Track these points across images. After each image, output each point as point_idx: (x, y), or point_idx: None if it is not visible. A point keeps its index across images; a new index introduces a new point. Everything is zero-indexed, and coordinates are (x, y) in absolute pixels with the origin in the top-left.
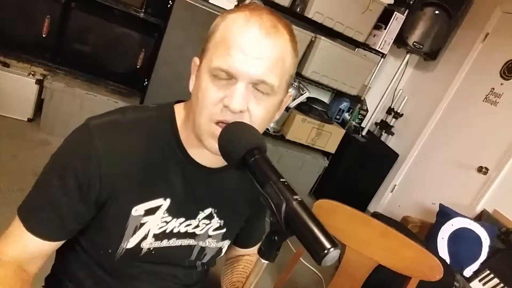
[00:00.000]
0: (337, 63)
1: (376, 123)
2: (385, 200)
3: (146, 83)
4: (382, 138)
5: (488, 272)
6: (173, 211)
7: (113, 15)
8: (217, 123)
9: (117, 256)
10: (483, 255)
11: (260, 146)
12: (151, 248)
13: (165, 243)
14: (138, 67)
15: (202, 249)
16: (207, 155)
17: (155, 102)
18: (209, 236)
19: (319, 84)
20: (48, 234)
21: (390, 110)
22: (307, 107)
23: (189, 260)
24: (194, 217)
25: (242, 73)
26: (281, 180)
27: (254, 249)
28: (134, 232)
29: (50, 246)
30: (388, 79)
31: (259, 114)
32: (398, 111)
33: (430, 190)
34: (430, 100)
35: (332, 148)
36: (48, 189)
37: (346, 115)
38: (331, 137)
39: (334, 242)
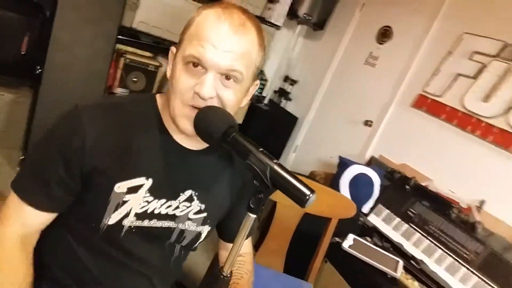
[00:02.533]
0: None
1: (275, 91)
2: (290, 160)
3: (40, 70)
4: (282, 105)
5: (380, 206)
6: (154, 191)
7: None
8: (190, 106)
9: (100, 232)
10: (376, 193)
11: (234, 124)
12: (132, 226)
13: (146, 223)
14: (23, 53)
15: (182, 231)
16: (184, 139)
17: (53, 90)
18: (189, 219)
19: None
20: (36, 202)
21: (286, 78)
22: None
23: (169, 243)
24: (175, 198)
25: (211, 64)
26: (260, 149)
27: (245, 248)
28: (116, 209)
29: (44, 219)
30: (283, 49)
31: (228, 99)
32: (294, 79)
33: (327, 145)
34: (320, 66)
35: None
36: (35, 158)
37: None
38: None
39: (311, 189)
